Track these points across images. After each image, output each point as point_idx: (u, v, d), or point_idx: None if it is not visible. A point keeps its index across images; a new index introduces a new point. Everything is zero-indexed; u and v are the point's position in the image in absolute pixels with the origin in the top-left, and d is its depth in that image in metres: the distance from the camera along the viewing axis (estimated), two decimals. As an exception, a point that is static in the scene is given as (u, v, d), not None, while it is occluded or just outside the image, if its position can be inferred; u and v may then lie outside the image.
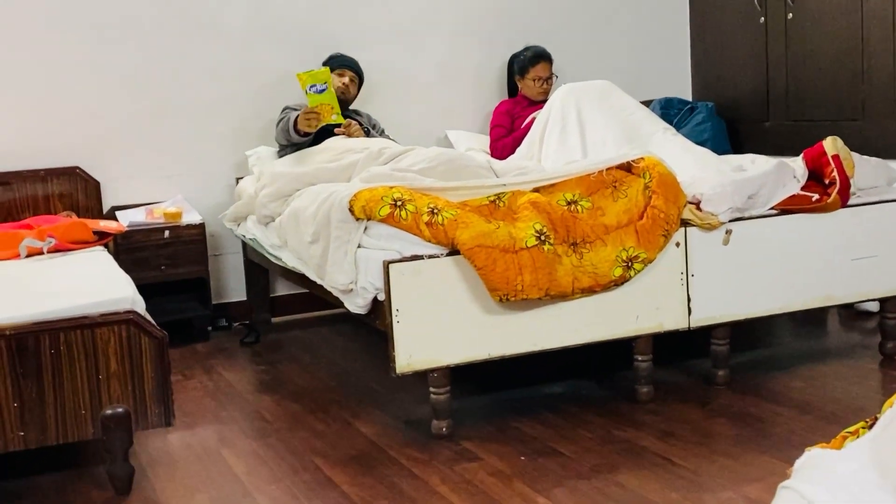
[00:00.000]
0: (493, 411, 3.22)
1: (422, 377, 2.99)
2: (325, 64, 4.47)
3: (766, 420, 2.99)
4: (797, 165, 3.47)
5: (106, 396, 2.64)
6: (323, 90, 3.97)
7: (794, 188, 3.38)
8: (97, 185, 4.37)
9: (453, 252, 2.91)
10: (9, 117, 4.28)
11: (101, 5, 4.37)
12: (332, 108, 4.01)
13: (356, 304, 3.04)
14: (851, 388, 3.27)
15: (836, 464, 1.31)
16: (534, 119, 4.34)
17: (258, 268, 4.52)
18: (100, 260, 3.39)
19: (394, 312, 2.86)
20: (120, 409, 2.61)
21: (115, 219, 4.24)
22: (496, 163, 3.68)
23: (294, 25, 4.70)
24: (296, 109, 4.25)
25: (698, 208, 3.21)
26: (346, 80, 4.45)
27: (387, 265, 2.85)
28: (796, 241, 3.36)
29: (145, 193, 4.49)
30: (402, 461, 2.82)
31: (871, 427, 1.53)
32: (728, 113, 5.08)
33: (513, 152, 4.37)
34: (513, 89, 4.95)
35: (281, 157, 4.26)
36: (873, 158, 3.61)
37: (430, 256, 2.91)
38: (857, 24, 4.36)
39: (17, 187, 4.25)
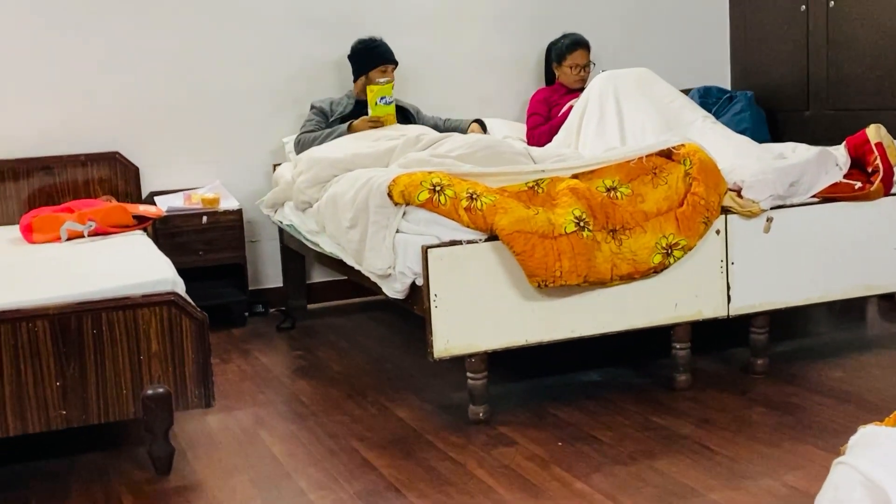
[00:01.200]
0: (530, 397, 3.21)
1: (459, 362, 2.99)
2: (359, 52, 4.48)
3: (806, 409, 2.96)
4: (839, 153, 3.43)
5: (147, 376, 2.66)
6: (390, 102, 4.23)
7: (837, 176, 3.34)
8: (136, 170, 4.41)
9: (492, 237, 2.91)
10: (51, 103, 4.33)
11: (142, -8, 4.42)
12: (393, 117, 4.26)
13: (394, 289, 3.05)
14: (892, 377, 3.23)
15: (891, 441, 1.30)
16: (571, 107, 4.32)
17: (295, 254, 4.54)
18: (140, 243, 3.42)
19: (432, 297, 2.87)
20: (161, 390, 2.64)
21: (154, 204, 4.28)
22: (534, 150, 3.67)
23: (331, 13, 4.71)
24: (321, 109, 4.35)
25: (739, 195, 3.19)
26: (390, 75, 4.44)
27: (425, 250, 2.86)
28: (838, 229, 3.32)
29: (184, 179, 4.53)
30: (440, 445, 2.82)
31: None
32: (767, 102, 5.03)
33: (550, 140, 4.35)
34: (550, 77, 4.93)
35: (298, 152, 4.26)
36: (917, 147, 3.56)
37: (469, 242, 2.91)
38: (902, 11, 4.30)
39: (59, 172, 4.30)
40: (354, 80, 4.53)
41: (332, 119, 4.37)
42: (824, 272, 3.31)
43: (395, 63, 4.51)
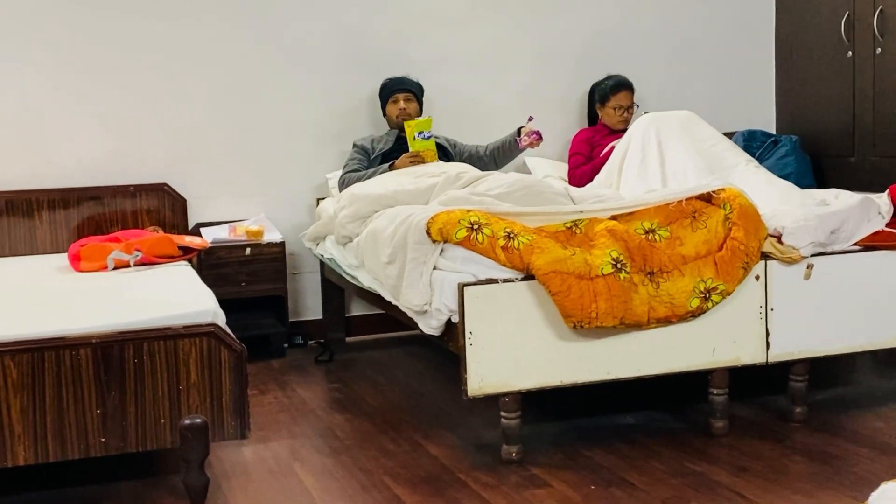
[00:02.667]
0: (564, 439, 3.20)
1: (493, 401, 2.99)
2: (380, 93, 4.59)
3: (845, 459, 2.92)
4: (882, 201, 3.40)
5: (185, 406, 2.70)
6: (428, 137, 4.27)
7: (879, 224, 3.31)
8: (184, 201, 4.50)
9: (528, 277, 2.92)
10: (102, 135, 4.44)
11: (190, 30, 4.52)
12: (433, 152, 4.29)
13: (430, 326, 3.07)
14: (935, 431, 3.18)
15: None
16: (613, 147, 4.33)
17: (335, 287, 4.59)
18: (184, 274, 3.48)
19: (467, 335, 2.88)
20: (198, 420, 2.68)
21: (200, 235, 4.35)
22: (574, 190, 3.68)
23: (376, 51, 4.78)
24: (362, 147, 4.42)
25: (780, 241, 3.17)
26: (401, 103, 4.51)
27: (461, 287, 2.88)
28: (879, 277, 3.28)
29: (229, 211, 4.61)
30: (471, 484, 2.82)
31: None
32: (812, 147, 4.99)
33: (591, 180, 4.36)
34: (593, 118, 4.95)
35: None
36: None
37: (505, 280, 2.92)
38: (950, 58, 4.26)
39: (107, 202, 4.40)
40: (384, 117, 4.65)
41: (373, 156, 4.43)
42: (865, 321, 3.27)
43: (410, 91, 4.56)
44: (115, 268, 3.58)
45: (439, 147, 4.43)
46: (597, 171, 4.37)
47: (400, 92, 4.55)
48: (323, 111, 4.73)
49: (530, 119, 4.46)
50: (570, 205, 3.36)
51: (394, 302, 3.28)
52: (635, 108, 4.78)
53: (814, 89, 5.08)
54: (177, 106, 4.53)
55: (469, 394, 2.90)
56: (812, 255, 3.19)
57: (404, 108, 4.51)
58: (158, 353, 2.67)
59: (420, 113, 4.58)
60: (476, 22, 4.94)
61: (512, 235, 2.94)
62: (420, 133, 4.25)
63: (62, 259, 3.82)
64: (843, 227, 3.24)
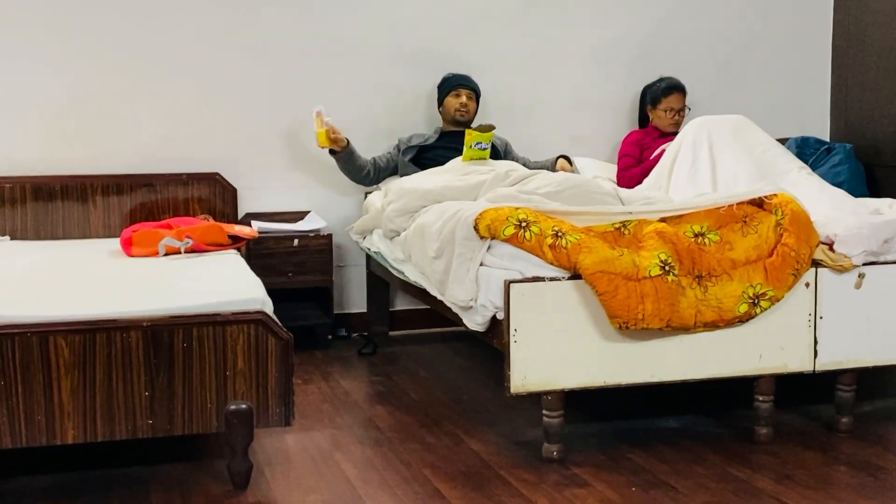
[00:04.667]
0: (606, 440, 3.19)
1: (535, 399, 2.99)
2: (441, 85, 4.60)
3: (890, 471, 2.88)
4: (939, 212, 3.35)
5: (231, 392, 2.74)
6: (485, 148, 4.23)
7: (934, 235, 3.25)
8: (234, 191, 4.55)
9: (575, 276, 2.92)
10: (157, 124, 4.50)
11: (246, 25, 4.57)
12: (484, 162, 4.25)
13: (475, 322, 3.07)
14: None
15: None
16: (664, 150, 4.31)
17: (380, 281, 4.61)
18: (233, 262, 3.52)
19: (512, 332, 2.88)
20: (244, 406, 2.71)
21: (250, 225, 4.39)
22: (623, 191, 3.66)
23: (431, 48, 4.80)
24: (406, 144, 4.49)
25: (831, 249, 3.13)
26: (464, 98, 4.55)
27: (508, 284, 2.88)
28: (934, 289, 3.23)
29: (279, 202, 4.65)
30: (511, 481, 2.83)
31: None
32: (867, 156, 4.92)
33: (640, 182, 4.34)
34: (644, 120, 4.92)
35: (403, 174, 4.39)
36: None
37: (552, 279, 2.92)
38: None
39: (160, 189, 4.46)
40: (440, 113, 4.66)
41: (404, 147, 4.47)
42: (917, 332, 3.22)
43: (473, 90, 4.59)
44: (166, 254, 3.63)
45: (492, 146, 4.44)
46: (646, 173, 4.34)
47: (464, 87, 4.57)
48: (374, 106, 4.75)
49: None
50: (618, 206, 3.35)
51: (439, 297, 3.30)
52: (687, 111, 4.75)
53: (870, 97, 5.01)
54: (231, 96, 4.58)
55: (512, 391, 2.91)
56: (864, 264, 3.15)
57: (465, 104, 4.55)
58: (207, 338, 2.71)
59: (476, 114, 4.60)
60: (530, 21, 4.93)
61: (560, 234, 2.94)
62: (478, 143, 4.20)
63: (114, 244, 3.88)
64: (897, 237, 3.19)
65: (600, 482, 2.81)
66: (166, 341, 2.69)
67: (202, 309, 2.74)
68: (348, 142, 4.43)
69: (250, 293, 2.86)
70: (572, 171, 4.50)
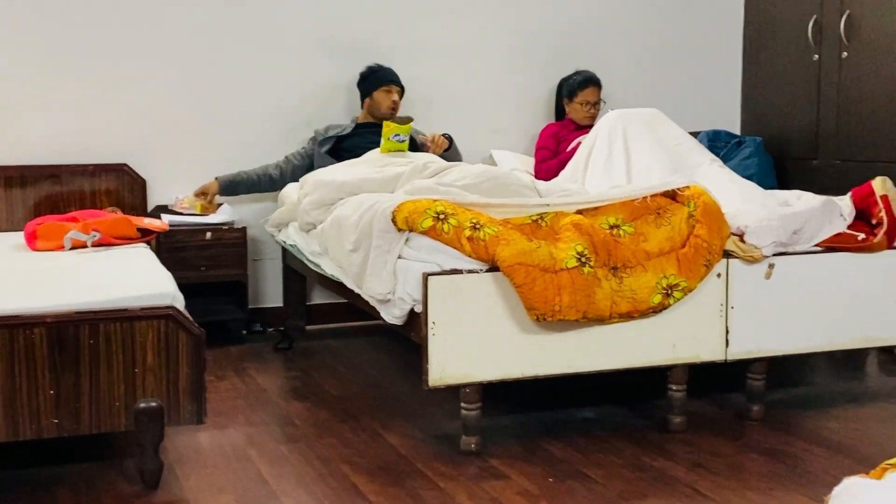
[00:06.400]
0: (523, 431, 3.20)
1: (453, 392, 2.98)
2: (368, 78, 4.54)
3: (800, 458, 2.94)
4: (844, 204, 3.44)
5: (141, 390, 2.66)
6: (403, 140, 4.16)
7: (841, 226, 3.34)
8: (143, 183, 4.43)
9: (493, 268, 2.91)
10: (62, 113, 4.36)
11: (157, 11, 4.45)
12: (402, 154, 4.18)
13: (392, 315, 3.05)
14: (889, 430, 3.22)
15: (875, 493, 1.29)
16: (579, 143, 4.34)
17: (296, 275, 4.55)
18: (142, 256, 3.43)
19: (429, 325, 2.87)
20: (153, 403, 2.63)
21: (160, 218, 4.29)
22: (540, 183, 3.68)
23: (346, 38, 4.74)
24: (323, 135, 4.42)
25: (742, 240, 3.19)
26: (395, 96, 4.51)
27: (426, 277, 2.86)
28: (839, 279, 3.31)
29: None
30: (429, 475, 2.81)
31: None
32: (776, 149, 5.04)
33: (557, 175, 4.36)
34: (560, 112, 4.95)
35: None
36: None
37: (470, 271, 2.91)
38: (913, 65, 4.31)
39: (66, 180, 4.32)
40: (361, 104, 4.60)
41: (321, 139, 4.41)
42: (824, 322, 3.30)
43: (401, 87, 4.56)
44: (72, 248, 3.51)
45: (409, 139, 4.40)
46: (563, 165, 4.37)
47: (395, 84, 4.53)
48: (289, 96, 4.68)
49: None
50: (536, 198, 3.36)
51: (357, 290, 3.26)
52: (602, 104, 4.79)
53: (779, 91, 5.13)
54: (139, 86, 4.46)
55: (430, 384, 2.89)
56: (773, 255, 3.22)
57: (396, 102, 4.51)
58: (114, 334, 2.63)
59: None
60: (450, 13, 4.92)
61: (478, 226, 2.93)
62: (396, 136, 4.14)
63: (18, 237, 3.75)
64: (805, 228, 3.27)
65: (518, 474, 2.81)
66: (72, 338, 2.59)
67: (109, 304, 2.66)
68: (218, 184, 4.37)
69: (160, 287, 2.78)
70: (438, 150, 4.43)
